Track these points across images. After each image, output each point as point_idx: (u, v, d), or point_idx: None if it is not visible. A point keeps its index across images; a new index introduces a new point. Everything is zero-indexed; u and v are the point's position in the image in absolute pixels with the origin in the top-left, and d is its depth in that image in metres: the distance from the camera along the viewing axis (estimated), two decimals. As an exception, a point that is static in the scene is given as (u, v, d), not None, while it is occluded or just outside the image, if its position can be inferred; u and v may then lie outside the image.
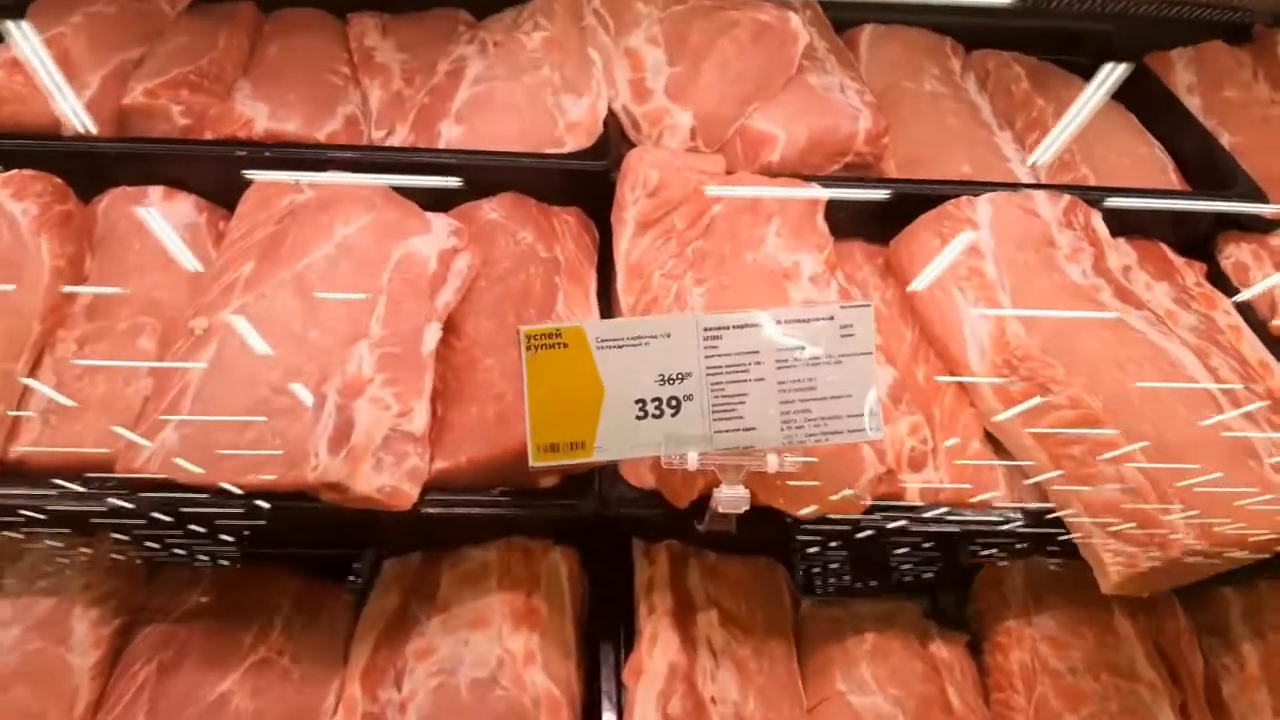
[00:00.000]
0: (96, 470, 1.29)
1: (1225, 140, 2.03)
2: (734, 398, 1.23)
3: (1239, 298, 1.76)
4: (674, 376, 1.22)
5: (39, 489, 1.28)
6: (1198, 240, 1.87)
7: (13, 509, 1.30)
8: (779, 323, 1.23)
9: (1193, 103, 2.13)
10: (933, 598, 1.55)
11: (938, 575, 1.53)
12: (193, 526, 1.32)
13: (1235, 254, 1.83)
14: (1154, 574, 1.27)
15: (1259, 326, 1.72)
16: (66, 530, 1.34)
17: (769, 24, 1.74)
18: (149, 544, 1.37)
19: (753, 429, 1.23)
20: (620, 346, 1.21)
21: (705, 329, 1.22)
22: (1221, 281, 1.81)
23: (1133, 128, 2.04)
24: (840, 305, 1.26)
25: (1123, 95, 2.12)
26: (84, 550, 1.34)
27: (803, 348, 1.23)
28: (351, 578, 1.47)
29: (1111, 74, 2.14)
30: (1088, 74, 2.20)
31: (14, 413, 1.32)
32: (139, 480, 1.23)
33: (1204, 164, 1.93)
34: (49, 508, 1.29)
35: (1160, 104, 2.08)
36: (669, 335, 1.22)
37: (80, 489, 1.28)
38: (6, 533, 1.32)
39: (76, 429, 1.34)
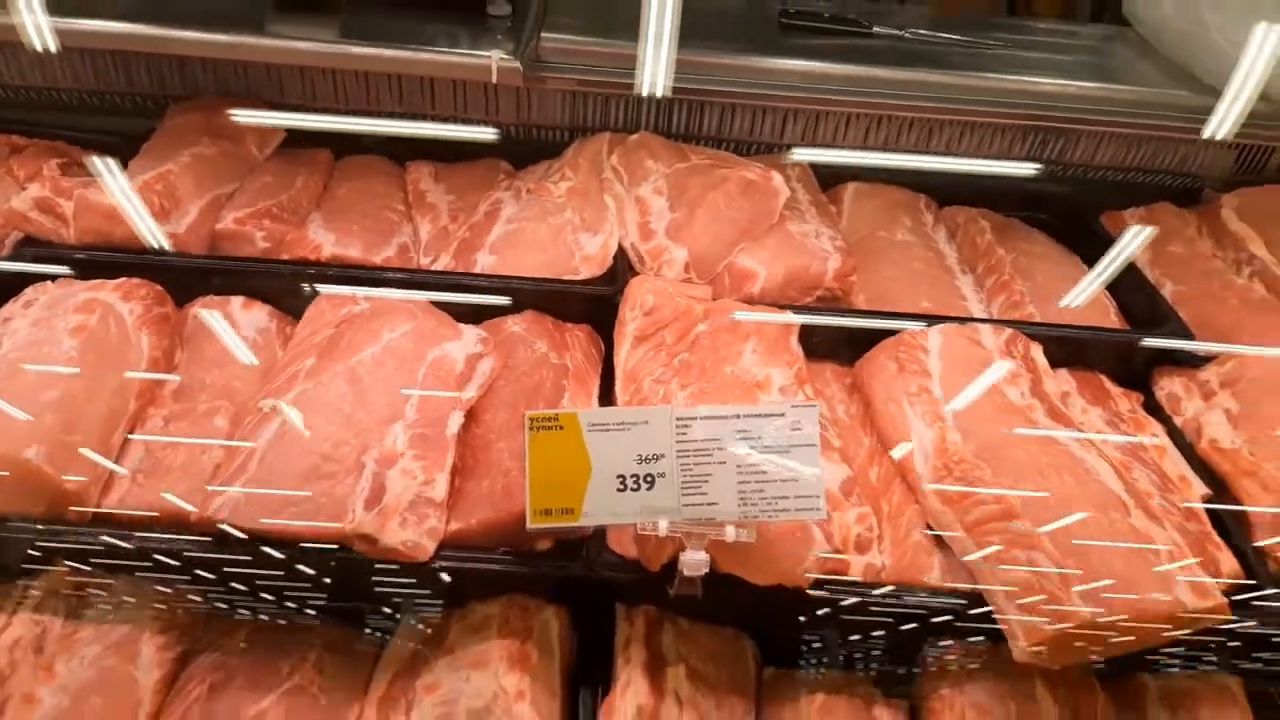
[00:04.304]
0: (173, 523, 1.57)
1: (1168, 289, 2.29)
2: (700, 477, 1.47)
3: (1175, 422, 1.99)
4: (650, 457, 1.47)
5: (123, 537, 1.56)
6: (1136, 374, 2.11)
7: (101, 552, 1.57)
8: (739, 417, 1.49)
9: (1142, 257, 2.41)
10: (884, 674, 1.74)
11: (888, 653, 1.73)
12: (244, 571, 1.58)
13: (1168, 386, 2.06)
14: (1061, 643, 1.47)
15: (1188, 449, 1.94)
16: (144, 570, 1.59)
17: (755, 181, 2.07)
18: (209, 589, 1.62)
19: (715, 504, 1.47)
20: (607, 430, 1.47)
21: (678, 419, 1.48)
22: (1157, 410, 2.04)
23: (1081, 274, 2.31)
24: (790, 404, 1.53)
25: (1076, 244, 2.42)
26: (157, 589, 1.60)
27: (759, 438, 1.49)
28: (375, 630, 1.71)
29: (1069, 228, 2.47)
30: (1051, 229, 2.52)
31: (112, 467, 1.61)
32: (205, 532, 1.51)
33: (1142, 307, 2.19)
34: (131, 551, 1.56)
35: (1105, 253, 2.36)
36: (648, 423, 1.48)
37: (156, 537, 1.56)
38: (95, 570, 1.59)
39: (159, 488, 1.62)
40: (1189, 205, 2.57)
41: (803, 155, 2.45)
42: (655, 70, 1.92)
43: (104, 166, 1.94)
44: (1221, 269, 2.35)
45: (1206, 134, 2.13)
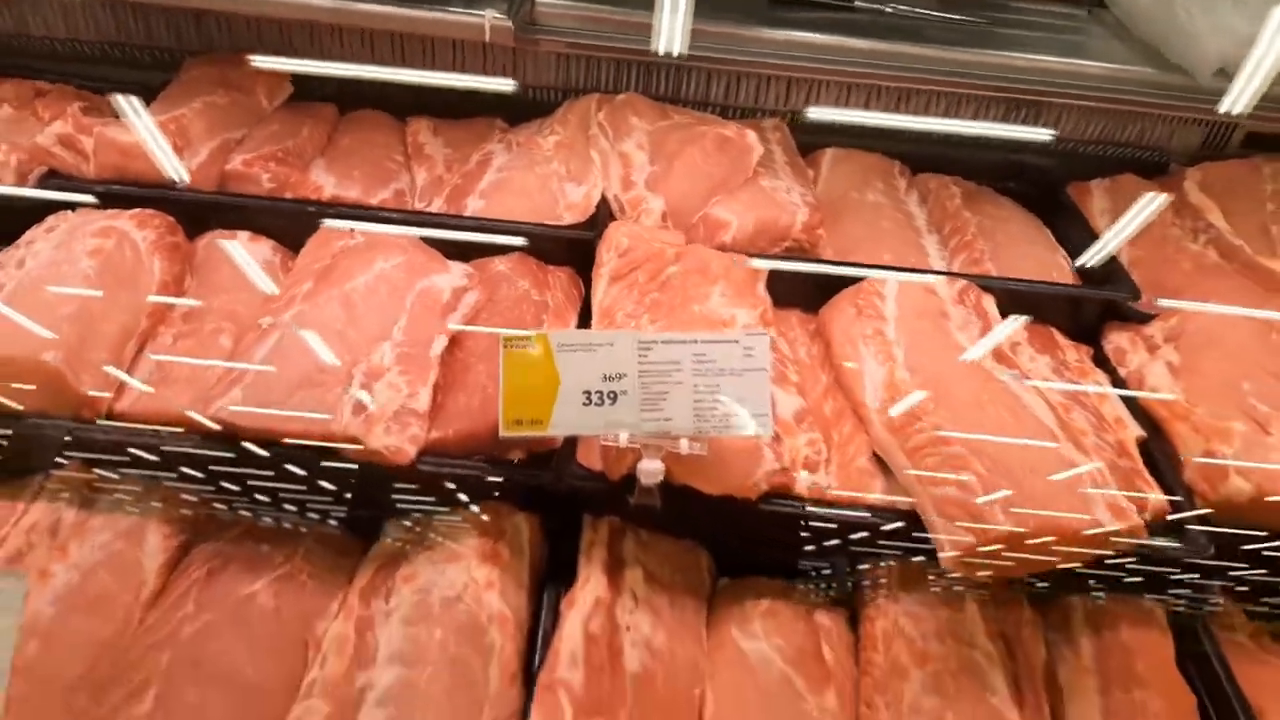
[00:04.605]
0: (177, 425, 1.71)
1: (1125, 253, 2.42)
2: (659, 394, 1.61)
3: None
4: (614, 375, 1.60)
5: (132, 436, 1.72)
6: (1088, 329, 2.24)
7: (111, 450, 1.72)
8: (696, 342, 1.63)
9: (1103, 223, 2.53)
10: (828, 586, 1.87)
11: (833, 567, 1.86)
12: (241, 471, 1.72)
13: (1116, 340, 2.19)
14: (985, 554, 1.60)
15: (1129, 398, 2.07)
16: (151, 469, 1.74)
17: (730, 138, 2.21)
18: (210, 487, 1.76)
19: (671, 419, 1.60)
20: (575, 351, 1.61)
21: (640, 342, 1.61)
22: (1104, 363, 2.17)
23: (1043, 239, 2.44)
24: (744, 333, 1.67)
25: (1041, 212, 2.55)
26: (163, 486, 1.74)
27: (713, 362, 1.62)
28: (361, 535, 1.85)
29: (1039, 198, 2.59)
30: (1021, 198, 2.64)
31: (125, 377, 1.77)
32: (207, 431, 1.66)
33: (1096, 268, 2.31)
34: (139, 449, 1.71)
35: (1069, 221, 2.48)
36: (612, 345, 1.62)
37: (162, 437, 1.71)
38: (106, 467, 1.74)
39: (165, 395, 1.77)
40: (1155, 177, 2.69)
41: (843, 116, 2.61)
42: (672, 32, 2.09)
43: (123, 107, 2.09)
44: (1178, 236, 2.47)
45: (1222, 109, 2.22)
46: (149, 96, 2.29)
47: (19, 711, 1.45)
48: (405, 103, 2.56)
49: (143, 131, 2.05)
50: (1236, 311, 2.12)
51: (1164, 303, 2.18)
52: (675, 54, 2.14)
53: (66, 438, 1.70)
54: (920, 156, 2.69)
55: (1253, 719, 1.70)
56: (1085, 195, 2.62)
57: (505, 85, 2.55)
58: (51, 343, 1.68)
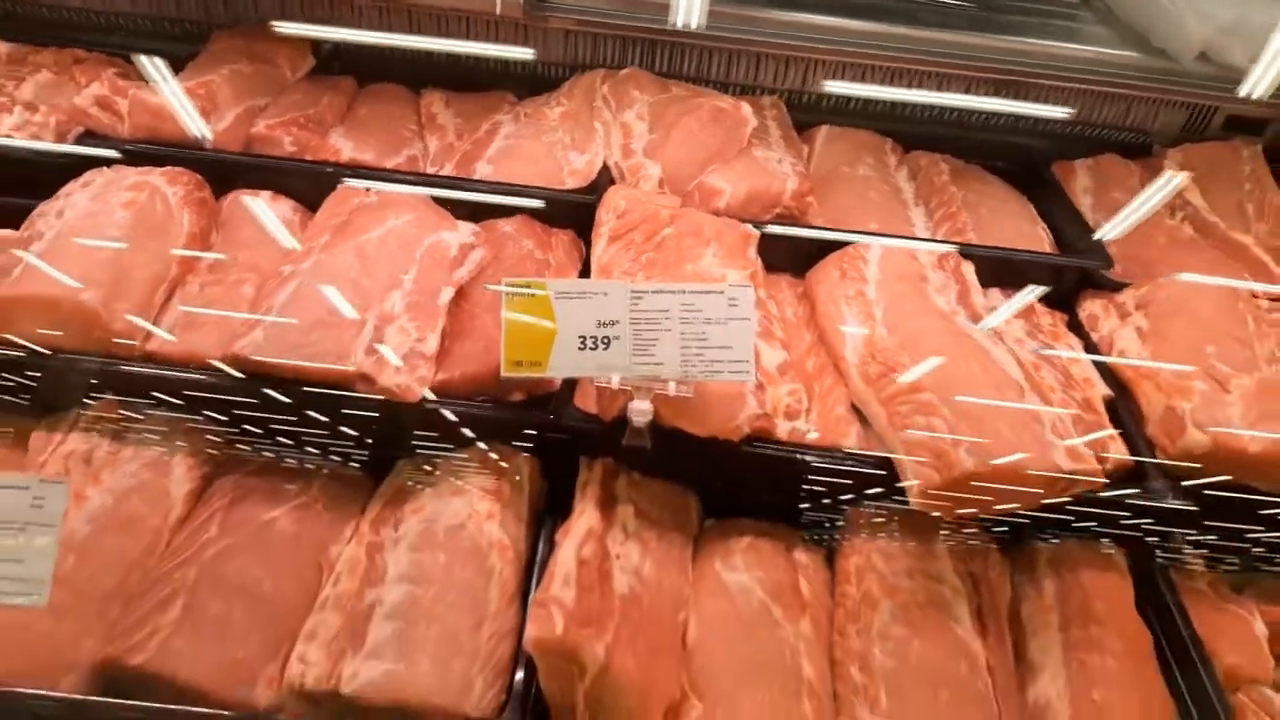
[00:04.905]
0: (203, 365, 1.85)
1: (1104, 228, 2.53)
2: (649, 340, 1.73)
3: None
4: (608, 322, 1.73)
5: (161, 372, 1.85)
6: (1064, 297, 2.35)
7: (144, 385, 1.86)
8: (684, 292, 1.75)
9: (1085, 200, 2.65)
10: (808, 526, 1.99)
11: (812, 509, 1.97)
12: (261, 412, 1.86)
13: (1090, 307, 2.30)
14: (950, 492, 1.72)
15: (1100, 361, 2.18)
16: (178, 405, 1.87)
17: (726, 109, 2.33)
18: (232, 423, 1.90)
19: (660, 364, 1.73)
20: (571, 298, 1.73)
21: (632, 291, 1.74)
22: (1078, 328, 2.28)
23: (1025, 213, 2.55)
24: (728, 285, 1.79)
25: (1026, 189, 2.66)
26: (189, 422, 1.88)
27: (700, 311, 1.75)
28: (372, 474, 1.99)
29: (1025, 176, 2.71)
30: (1008, 176, 2.75)
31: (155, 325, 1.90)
32: (230, 367, 1.80)
33: (1075, 240, 2.42)
34: (167, 385, 1.85)
35: (1052, 197, 2.59)
36: (606, 294, 1.74)
37: (186, 374, 1.84)
38: (137, 403, 1.87)
39: (192, 339, 1.90)
40: (1139, 159, 2.79)
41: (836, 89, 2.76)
42: (690, 5, 2.26)
43: (155, 73, 2.23)
44: (1156, 212, 2.58)
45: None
46: (178, 67, 2.43)
47: (59, 618, 1.59)
48: (419, 77, 2.69)
49: (173, 95, 2.18)
50: (1206, 280, 2.23)
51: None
52: (694, 26, 2.27)
53: (101, 374, 1.84)
54: (913, 136, 2.80)
55: (1207, 659, 1.81)
56: (1069, 174, 2.72)
57: (518, 56, 2.67)
58: (89, 285, 1.82)
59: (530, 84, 2.70)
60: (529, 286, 1.73)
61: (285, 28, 2.56)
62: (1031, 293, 2.30)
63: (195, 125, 2.19)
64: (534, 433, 1.91)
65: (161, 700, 1.53)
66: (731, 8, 2.50)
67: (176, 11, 2.64)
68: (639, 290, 1.74)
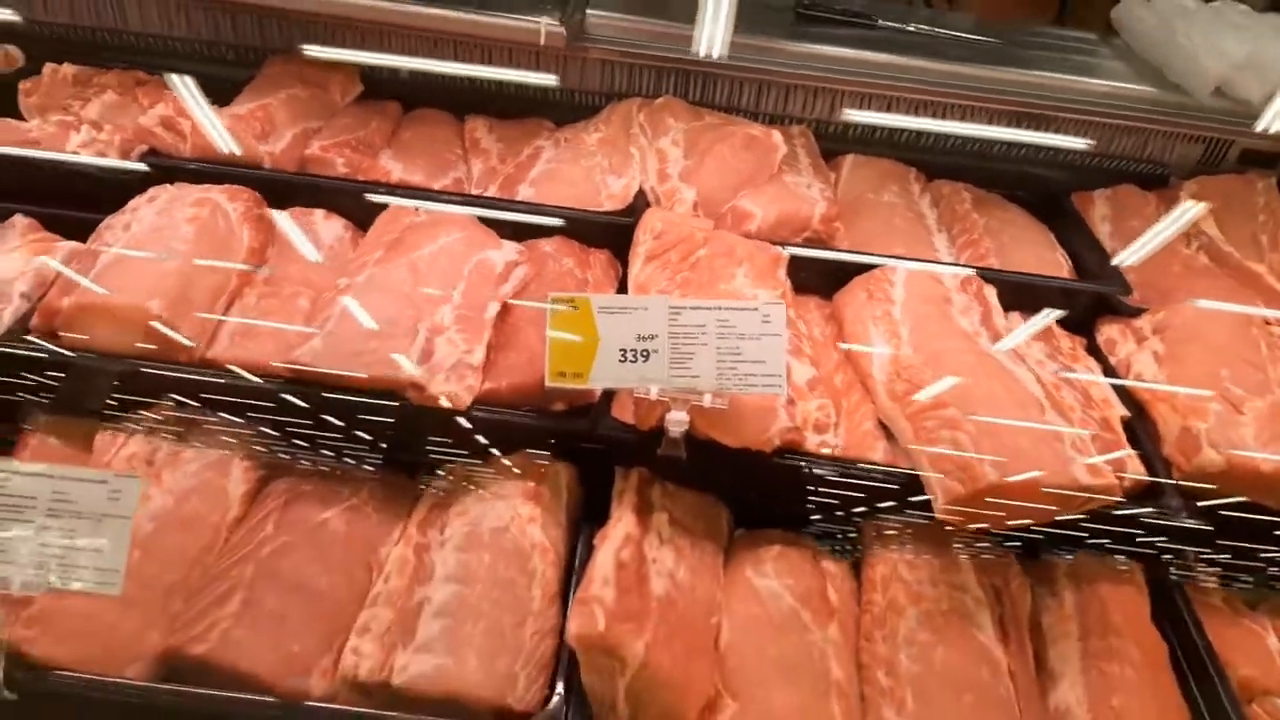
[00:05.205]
0: (262, 372, 1.95)
1: (1121, 256, 2.61)
2: (686, 354, 1.81)
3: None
4: (647, 336, 1.81)
5: (222, 379, 1.95)
6: (1083, 322, 2.43)
7: (204, 390, 1.95)
8: (720, 308, 1.84)
9: (1104, 229, 2.73)
10: (835, 538, 2.07)
11: (839, 521, 2.05)
12: (315, 417, 1.95)
13: (1108, 332, 2.38)
14: (973, 505, 1.80)
15: (1118, 384, 2.26)
16: (236, 410, 1.97)
17: (757, 136, 2.43)
18: (288, 427, 1.99)
19: (697, 376, 1.81)
20: (613, 313, 1.82)
21: (671, 306, 1.82)
22: (1096, 352, 2.36)
23: (1045, 240, 2.63)
24: (761, 302, 1.88)
25: (1046, 218, 2.75)
26: (246, 425, 1.97)
27: (735, 327, 1.83)
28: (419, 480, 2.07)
29: (1044, 205, 2.80)
30: (1028, 206, 2.84)
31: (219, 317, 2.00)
32: (289, 376, 1.89)
33: (1093, 267, 2.50)
34: (227, 392, 1.95)
35: (1071, 226, 2.68)
36: (646, 309, 1.83)
37: (245, 381, 1.94)
38: (197, 407, 1.97)
39: (250, 347, 2.00)
40: (1156, 190, 2.88)
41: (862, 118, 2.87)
42: (713, 37, 2.38)
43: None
44: (1172, 241, 2.66)
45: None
46: (233, 89, 2.55)
47: (125, 610, 1.68)
48: (462, 104, 2.80)
49: (234, 117, 2.30)
50: (1220, 307, 2.30)
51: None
52: (715, 57, 2.38)
53: (165, 380, 1.94)
54: (936, 165, 2.89)
55: (1221, 670, 1.88)
56: (1088, 204, 2.81)
57: (555, 84, 2.78)
58: (155, 292, 1.92)
59: (568, 111, 2.81)
60: (572, 302, 1.82)
61: (334, 53, 2.68)
62: (1051, 316, 2.38)
63: (254, 146, 2.30)
64: (571, 442, 2.00)
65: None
66: (764, 41, 2.62)
67: (233, 36, 2.76)
68: (677, 306, 1.83)
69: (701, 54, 2.39)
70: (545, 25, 2.36)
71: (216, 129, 2.29)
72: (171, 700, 1.60)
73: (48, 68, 2.57)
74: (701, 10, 2.36)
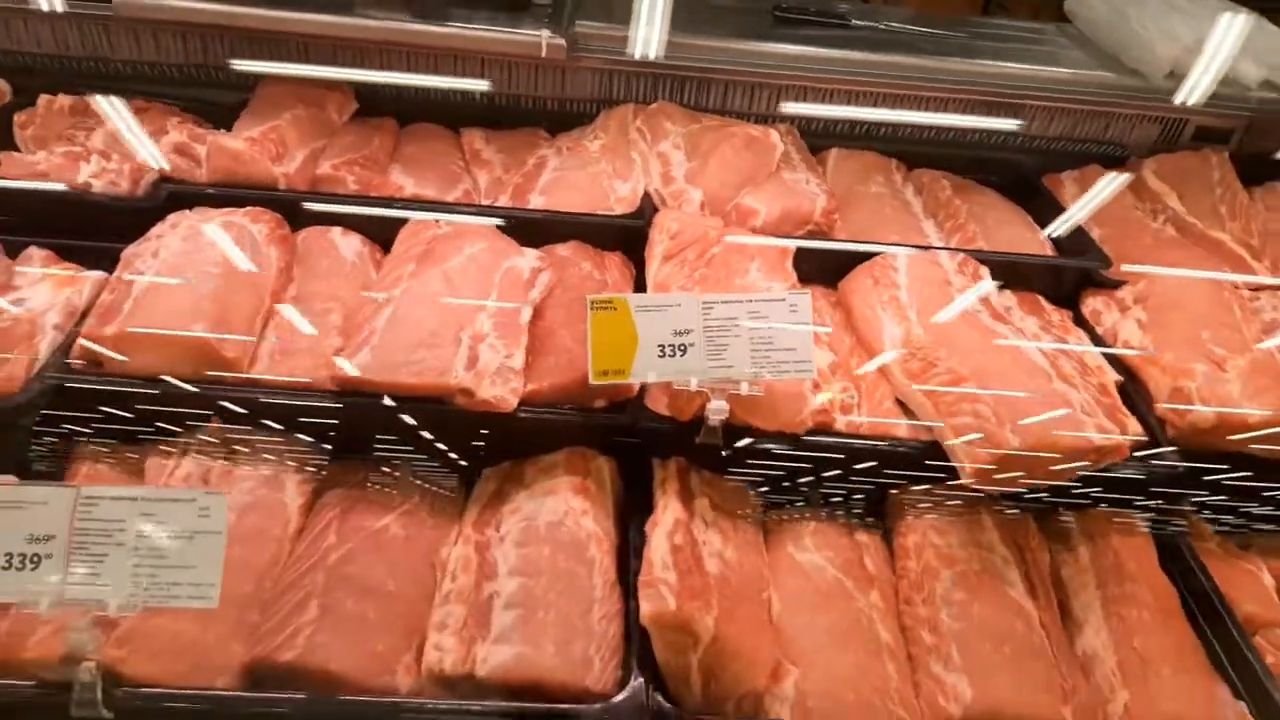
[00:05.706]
0: (310, 385, 2.00)
1: (1095, 232, 2.76)
2: (721, 345, 1.91)
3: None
4: (683, 331, 1.91)
5: (269, 395, 2.00)
6: (1068, 296, 2.58)
7: (253, 407, 1.99)
8: (750, 301, 1.95)
9: (1075, 207, 2.89)
10: (865, 511, 2.19)
11: (868, 495, 2.17)
12: (364, 427, 2.01)
13: (1092, 304, 2.54)
14: (996, 468, 1.92)
15: (1107, 350, 2.41)
16: (284, 424, 2.02)
17: (757, 137, 2.54)
18: (336, 442, 2.05)
19: (732, 366, 1.91)
20: (649, 311, 1.92)
21: (703, 302, 1.93)
22: (1083, 322, 2.52)
23: (1023, 221, 2.79)
24: (788, 293, 1.99)
25: (1021, 200, 2.90)
26: (295, 436, 2.02)
27: (765, 317, 1.94)
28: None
29: (1016, 188, 2.95)
30: (1000, 189, 3.00)
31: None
32: (338, 388, 1.95)
33: (1072, 243, 2.66)
34: (275, 407, 1.99)
35: (1046, 206, 2.84)
36: (680, 305, 1.93)
37: (293, 396, 1.99)
38: (246, 424, 2.01)
39: (291, 363, 2.05)
40: (1118, 169, 3.05)
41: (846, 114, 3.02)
42: (649, 39, 2.53)
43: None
44: (1140, 216, 2.84)
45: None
46: (226, 113, 2.59)
47: (205, 624, 1.72)
48: (453, 117, 2.86)
49: (248, 141, 2.34)
50: (1194, 274, 2.48)
51: (1129, 268, 2.54)
52: (651, 58, 2.52)
53: (212, 400, 1.98)
54: (912, 155, 3.04)
55: (1229, 608, 2.03)
56: (1058, 185, 2.98)
57: (543, 95, 2.87)
58: (197, 316, 1.96)
59: (559, 120, 2.89)
60: (611, 304, 1.92)
61: (328, 72, 2.73)
62: (1040, 292, 2.54)
63: (269, 169, 2.34)
64: (610, 437, 2.08)
65: (308, 694, 1.67)
66: (747, 45, 2.73)
67: (228, 57, 2.78)
68: (709, 301, 1.93)
69: (638, 55, 2.51)
70: (546, 38, 2.44)
71: (234, 153, 2.32)
72: (295, 708, 1.63)
73: (43, 99, 2.56)
74: (636, 14, 2.51)
